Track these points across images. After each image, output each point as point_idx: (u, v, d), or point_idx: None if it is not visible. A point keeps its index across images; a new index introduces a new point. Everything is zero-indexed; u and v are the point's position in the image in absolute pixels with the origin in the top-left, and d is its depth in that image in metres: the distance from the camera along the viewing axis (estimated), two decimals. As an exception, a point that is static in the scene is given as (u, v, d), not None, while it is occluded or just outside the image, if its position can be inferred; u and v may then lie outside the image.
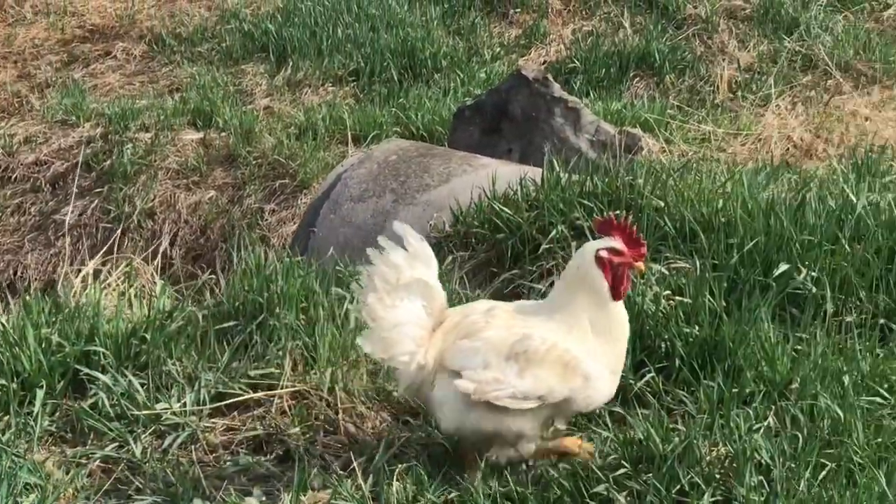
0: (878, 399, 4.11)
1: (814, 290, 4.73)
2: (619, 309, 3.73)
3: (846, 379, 4.16)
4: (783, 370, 4.23)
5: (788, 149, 7.54)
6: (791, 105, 8.41)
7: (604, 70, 9.46)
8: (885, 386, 4.19)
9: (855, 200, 5.11)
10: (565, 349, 3.61)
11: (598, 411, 4.10)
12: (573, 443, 3.84)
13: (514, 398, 3.56)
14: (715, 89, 9.04)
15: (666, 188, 5.42)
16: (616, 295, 3.68)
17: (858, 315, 4.68)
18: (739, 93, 8.87)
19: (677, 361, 4.44)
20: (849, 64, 8.82)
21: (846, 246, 4.89)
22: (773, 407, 4.08)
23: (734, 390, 4.13)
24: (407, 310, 3.61)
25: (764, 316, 4.55)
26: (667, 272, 4.91)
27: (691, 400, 4.22)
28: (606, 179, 5.53)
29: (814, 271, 4.79)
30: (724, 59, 9.40)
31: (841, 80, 8.64)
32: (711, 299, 4.67)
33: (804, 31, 9.44)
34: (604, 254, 3.67)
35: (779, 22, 9.72)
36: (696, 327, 4.53)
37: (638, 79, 9.42)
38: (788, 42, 9.33)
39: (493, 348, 3.59)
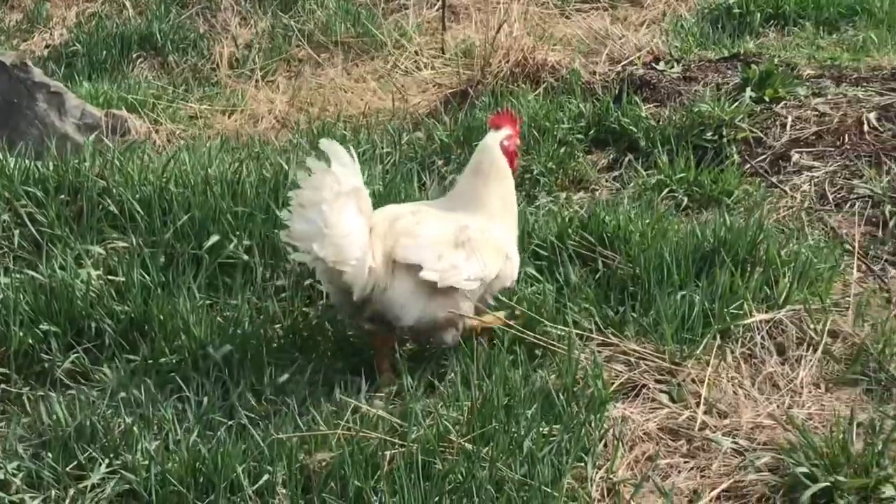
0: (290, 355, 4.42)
1: (245, 257, 4.98)
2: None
3: (261, 340, 4.45)
4: (202, 337, 4.44)
5: (273, 122, 7.81)
6: (283, 79, 8.70)
7: (105, 52, 9.34)
8: (296, 344, 4.51)
9: (287, 170, 5.40)
10: (495, 236, 4.19)
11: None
12: (492, 319, 4.30)
13: (468, 280, 4.05)
14: (216, 67, 9.18)
15: (112, 169, 5.48)
16: (513, 169, 4.40)
17: (288, 278, 4.97)
18: (238, 69, 9.06)
19: (107, 340, 4.56)
20: (338, 38, 9.24)
21: (279, 213, 5.15)
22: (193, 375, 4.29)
23: (149, 362, 4.30)
24: (353, 216, 3.90)
25: (193, 287, 4.76)
26: (104, 252, 4.99)
27: (116, 377, 4.33)
28: (53, 165, 5.52)
29: (246, 240, 5.04)
30: (226, 37, 9.56)
31: (329, 54, 9.04)
32: (145, 276, 4.81)
33: (300, 8, 9.78)
34: (506, 143, 4.34)
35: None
36: (128, 304, 4.66)
37: (141, 59, 9.37)
38: (285, 18, 9.62)
39: (442, 241, 4.05)
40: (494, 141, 4.35)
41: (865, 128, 6.21)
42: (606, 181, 6.08)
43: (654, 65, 7.18)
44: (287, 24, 9.52)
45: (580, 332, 4.28)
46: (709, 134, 6.22)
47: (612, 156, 6.30)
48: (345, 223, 3.87)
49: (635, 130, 6.29)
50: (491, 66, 6.94)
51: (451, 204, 4.33)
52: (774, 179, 5.90)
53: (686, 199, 5.67)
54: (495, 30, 6.87)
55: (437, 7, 9.60)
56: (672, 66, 7.19)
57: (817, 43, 8.12)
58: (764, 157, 6.14)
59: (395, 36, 8.72)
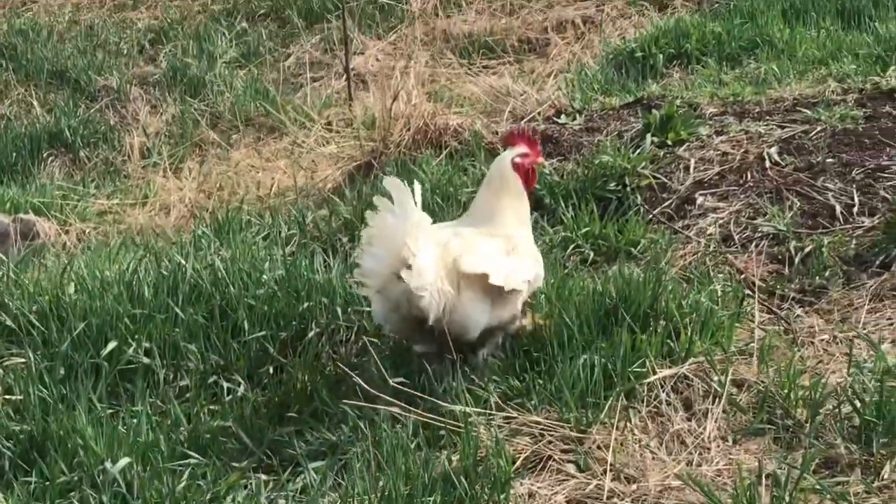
0: (193, 460, 4.31)
1: (146, 361, 4.89)
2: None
3: (163, 447, 4.35)
4: (102, 451, 4.32)
5: (184, 211, 7.73)
6: (193, 165, 8.64)
7: (15, 154, 9.22)
8: (200, 446, 4.40)
9: (186, 265, 5.32)
10: (531, 243, 4.63)
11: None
12: (534, 318, 4.66)
13: (524, 283, 4.40)
14: (127, 158, 9.10)
15: (7, 282, 5.38)
16: (529, 188, 4.72)
17: (191, 378, 4.88)
18: (151, 159, 8.98)
19: (7, 463, 4.43)
20: (249, 117, 9.21)
21: (179, 312, 5.08)
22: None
23: (47, 484, 4.18)
24: (429, 247, 4.21)
25: (93, 398, 4.65)
26: (1, 371, 4.88)
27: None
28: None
29: (146, 343, 4.94)
30: (136, 128, 9.49)
31: (240, 134, 9.01)
32: (43, 391, 4.69)
33: (209, 91, 9.75)
34: (518, 160, 4.65)
35: (187, 84, 9.96)
36: (27, 424, 4.54)
37: (52, 157, 9.28)
38: (195, 103, 9.58)
39: (496, 251, 4.40)
40: (505, 157, 4.69)
41: (767, 163, 6.23)
42: (514, 242, 6.03)
43: (555, 118, 7.19)
44: (196, 109, 9.49)
45: (479, 410, 4.20)
46: (612, 184, 6.20)
47: (518, 215, 6.25)
48: (424, 252, 4.15)
49: (539, 187, 6.22)
50: (393, 135, 6.91)
51: (470, 220, 4.66)
52: (680, 224, 5.88)
53: (592, 253, 5.63)
54: (391, 99, 6.84)
55: (345, 77, 9.60)
56: (574, 118, 7.20)
57: (721, 79, 8.17)
58: (669, 202, 6.13)
59: (296, 116, 8.67)
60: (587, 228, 5.78)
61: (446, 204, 6.17)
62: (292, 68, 10.29)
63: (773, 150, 6.33)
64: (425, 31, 10.26)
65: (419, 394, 4.35)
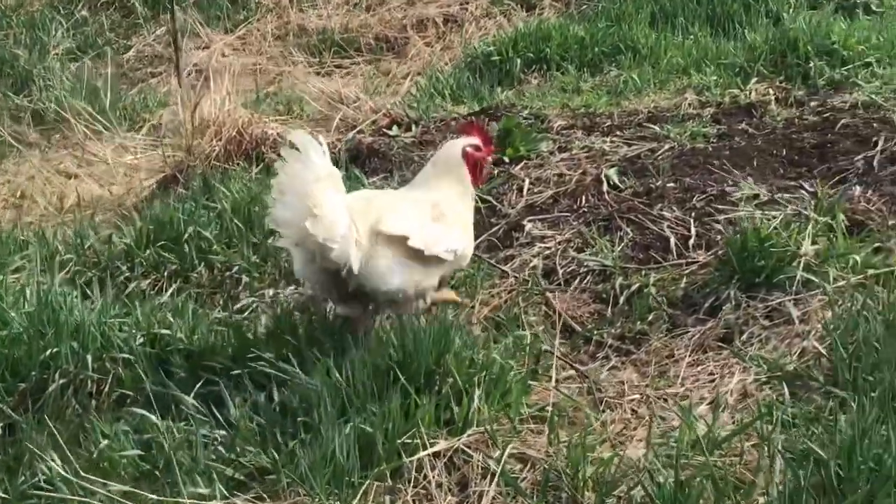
0: None
1: None
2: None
3: None
4: None
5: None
6: (8, 167, 7.82)
7: None
8: None
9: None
10: (464, 214, 4.44)
11: None
12: (451, 293, 4.59)
13: (446, 251, 4.25)
14: (-65, 159, 8.24)
15: None
16: (476, 183, 4.58)
17: None
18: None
19: None
20: (72, 117, 8.38)
21: None
22: None
23: None
24: (335, 196, 4.04)
25: None
26: None
27: None
28: None
29: None
30: (-51, 124, 8.62)
31: (61, 135, 8.20)
32: None
33: (36, 85, 8.92)
34: (469, 149, 4.52)
35: (14, 77, 9.12)
36: None
37: None
38: (18, 99, 8.75)
39: (422, 215, 4.27)
40: (457, 143, 4.56)
41: (605, 187, 5.65)
42: (320, 272, 5.37)
43: (387, 129, 6.55)
44: (18, 105, 8.65)
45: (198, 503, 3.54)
46: (435, 208, 5.55)
47: (328, 240, 5.59)
48: (330, 202, 3.99)
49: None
50: (201, 144, 6.20)
51: (417, 190, 4.50)
52: (503, 255, 5.28)
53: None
54: (192, 105, 6.13)
55: (185, 72, 8.87)
56: (410, 129, 6.57)
57: (580, 87, 7.59)
58: (497, 227, 5.52)
59: (122, 117, 7.91)
60: (396, 259, 5.12)
61: (248, 229, 5.48)
62: (132, 62, 9.51)
63: (613, 171, 5.76)
64: (277, 26, 9.55)
65: (156, 468, 3.70)
